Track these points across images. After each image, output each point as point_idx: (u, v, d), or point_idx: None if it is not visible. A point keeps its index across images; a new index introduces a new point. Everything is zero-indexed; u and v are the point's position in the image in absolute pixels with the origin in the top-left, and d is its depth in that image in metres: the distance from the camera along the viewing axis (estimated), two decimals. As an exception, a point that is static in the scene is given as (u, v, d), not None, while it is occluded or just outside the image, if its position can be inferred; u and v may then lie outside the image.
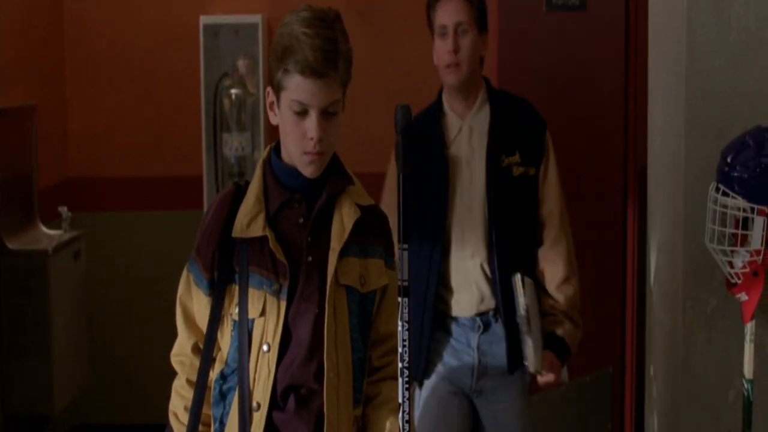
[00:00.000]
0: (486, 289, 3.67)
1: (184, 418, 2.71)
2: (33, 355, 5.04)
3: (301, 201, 2.65)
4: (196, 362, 2.71)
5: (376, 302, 2.72)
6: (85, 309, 5.61)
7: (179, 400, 2.76)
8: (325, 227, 2.65)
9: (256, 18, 5.91)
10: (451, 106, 3.75)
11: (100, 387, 5.99)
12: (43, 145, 5.50)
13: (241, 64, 5.89)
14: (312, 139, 2.56)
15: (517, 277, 3.64)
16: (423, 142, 3.71)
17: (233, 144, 5.90)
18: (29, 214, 5.33)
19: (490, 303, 3.68)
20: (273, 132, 5.97)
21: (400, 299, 2.41)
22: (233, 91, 5.92)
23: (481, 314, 3.69)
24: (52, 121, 5.88)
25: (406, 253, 2.41)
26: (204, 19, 5.93)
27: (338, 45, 2.56)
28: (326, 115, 2.58)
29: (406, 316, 2.41)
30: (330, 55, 2.54)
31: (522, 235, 3.72)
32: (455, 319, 3.70)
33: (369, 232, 2.70)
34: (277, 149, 2.70)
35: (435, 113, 3.76)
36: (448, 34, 3.65)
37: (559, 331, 3.73)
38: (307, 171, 2.62)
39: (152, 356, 5.98)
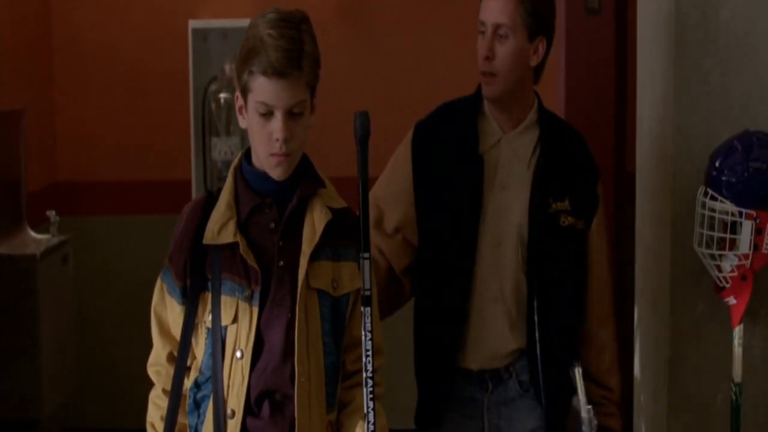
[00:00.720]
0: (499, 344, 3.13)
1: (161, 427, 2.70)
2: (21, 359, 5.02)
3: (272, 205, 2.63)
4: (172, 371, 2.70)
5: (349, 306, 2.69)
6: (73, 313, 5.59)
7: (156, 410, 2.75)
8: (296, 231, 2.63)
9: (245, 22, 5.80)
10: (491, 111, 3.16)
11: (89, 392, 5.97)
12: (31, 149, 5.48)
13: (230, 68, 5.87)
14: (278, 140, 2.54)
15: (578, 371, 3.02)
16: (453, 137, 3.16)
17: (222, 148, 5.89)
18: (17, 218, 5.32)
19: (503, 361, 3.15)
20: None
21: (362, 309, 2.39)
22: (222, 95, 5.91)
23: (490, 371, 3.17)
24: (40, 124, 5.86)
25: (367, 262, 2.40)
26: (193, 23, 5.92)
27: (303, 45, 2.55)
28: (292, 115, 2.55)
29: (369, 326, 2.39)
30: (294, 55, 2.52)
31: (566, 301, 3.16)
32: (461, 370, 3.17)
33: (342, 235, 2.66)
34: (248, 154, 2.68)
35: (472, 108, 3.16)
36: (486, 33, 3.05)
37: (611, 423, 3.27)
38: (275, 173, 2.59)
39: (141, 361, 5.93)
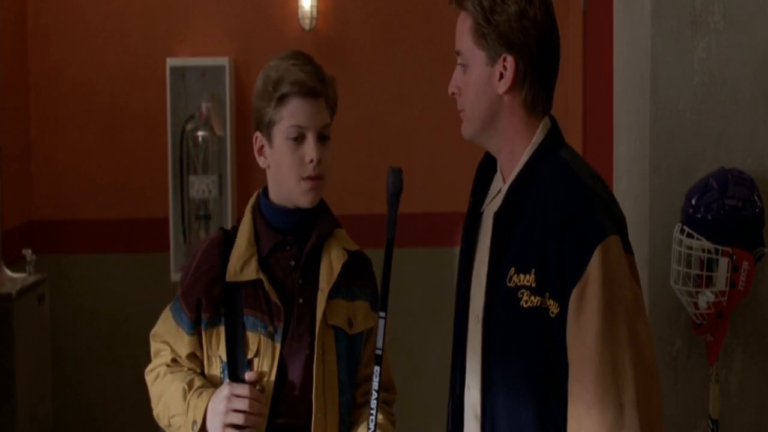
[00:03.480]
0: None
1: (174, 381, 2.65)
2: (-4, 399, 4.99)
3: (293, 243, 2.67)
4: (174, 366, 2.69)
5: (362, 345, 2.74)
6: (49, 353, 5.56)
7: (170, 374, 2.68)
8: (313, 269, 2.68)
9: (223, 60, 5.92)
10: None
11: (65, 431, 5.93)
12: (7, 187, 5.47)
13: (207, 106, 5.89)
14: (311, 161, 2.61)
15: None
16: (472, 198, 2.49)
17: (199, 186, 5.89)
18: (-7, 257, 5.30)
19: None
20: (240, 174, 5.99)
21: (374, 367, 2.41)
22: (200, 133, 5.93)
23: None
24: (16, 162, 5.85)
25: (383, 321, 2.39)
26: (170, 62, 5.94)
27: (324, 72, 2.67)
28: (321, 138, 2.64)
29: (377, 385, 2.40)
30: (321, 77, 2.64)
31: (527, 414, 2.26)
32: None
33: (356, 276, 2.73)
34: (265, 192, 2.72)
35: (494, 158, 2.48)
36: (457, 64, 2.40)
37: None
38: (306, 199, 2.64)
39: (118, 400, 5.92)
